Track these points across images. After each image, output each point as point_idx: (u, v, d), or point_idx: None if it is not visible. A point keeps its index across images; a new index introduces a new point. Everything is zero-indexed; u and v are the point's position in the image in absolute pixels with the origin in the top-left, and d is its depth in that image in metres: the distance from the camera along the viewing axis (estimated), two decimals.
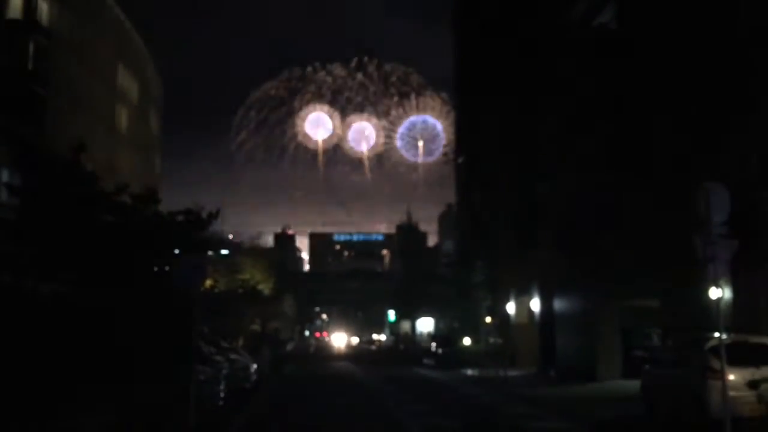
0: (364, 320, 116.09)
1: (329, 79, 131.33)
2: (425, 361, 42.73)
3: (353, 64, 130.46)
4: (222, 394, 17.69)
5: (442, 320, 57.18)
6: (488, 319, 39.03)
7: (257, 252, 47.76)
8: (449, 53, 56.44)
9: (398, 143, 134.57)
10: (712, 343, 13.03)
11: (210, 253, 23.91)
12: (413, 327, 71.44)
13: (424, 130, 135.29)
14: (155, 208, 18.19)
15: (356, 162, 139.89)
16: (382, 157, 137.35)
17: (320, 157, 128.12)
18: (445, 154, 53.00)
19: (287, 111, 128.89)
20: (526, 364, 32.19)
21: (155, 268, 17.36)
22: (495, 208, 39.22)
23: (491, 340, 35.17)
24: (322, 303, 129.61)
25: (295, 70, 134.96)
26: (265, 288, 43.61)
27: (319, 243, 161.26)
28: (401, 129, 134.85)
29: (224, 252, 33.33)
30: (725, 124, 17.95)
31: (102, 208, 16.62)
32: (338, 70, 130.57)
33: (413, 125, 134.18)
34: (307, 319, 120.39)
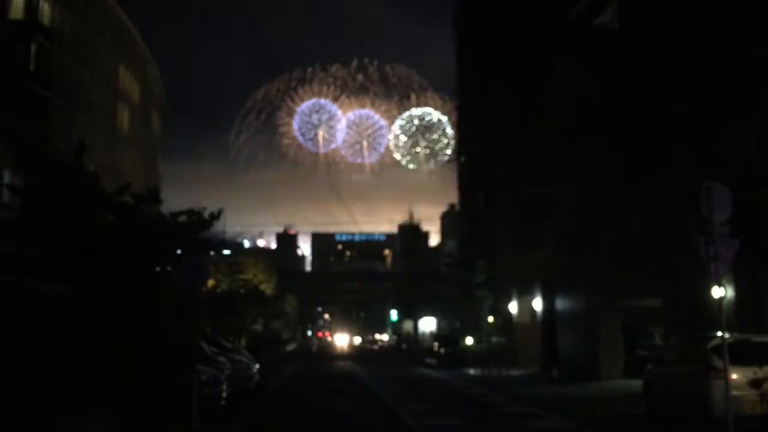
0: (367, 320, 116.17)
1: (330, 80, 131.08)
2: (427, 360, 42.73)
3: (353, 65, 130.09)
4: (224, 395, 17.68)
5: (444, 320, 57.15)
6: (490, 319, 38.97)
7: (259, 252, 47.82)
8: (450, 53, 56.47)
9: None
10: (714, 342, 13.06)
11: (212, 253, 23.91)
12: (415, 327, 71.43)
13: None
14: (157, 208, 18.18)
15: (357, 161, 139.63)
16: (383, 156, 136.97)
17: (320, 147, 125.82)
18: (447, 154, 52.87)
19: (287, 112, 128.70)
20: (528, 364, 32.18)
21: (157, 269, 17.35)
22: (497, 208, 39.22)
23: (493, 339, 35.09)
24: (325, 303, 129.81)
25: (294, 72, 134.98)
26: (267, 288, 43.68)
27: (321, 243, 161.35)
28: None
29: (226, 252, 33.38)
30: (726, 122, 17.93)
31: (104, 208, 16.61)
32: (339, 71, 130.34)
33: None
34: (310, 318, 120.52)
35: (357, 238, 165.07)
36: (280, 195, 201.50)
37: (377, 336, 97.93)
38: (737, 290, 17.01)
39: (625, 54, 22.74)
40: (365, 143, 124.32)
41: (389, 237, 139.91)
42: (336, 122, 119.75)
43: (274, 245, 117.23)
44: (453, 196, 59.30)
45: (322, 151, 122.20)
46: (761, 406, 12.68)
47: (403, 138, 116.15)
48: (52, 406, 11.67)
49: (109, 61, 40.30)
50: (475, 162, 46.33)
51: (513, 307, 36.47)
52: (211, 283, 28.83)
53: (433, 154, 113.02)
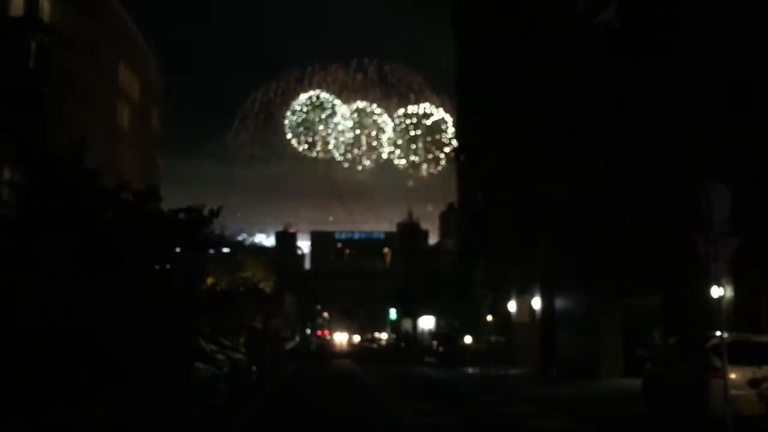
0: (366, 318, 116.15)
1: (329, 79, 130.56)
2: (426, 359, 42.73)
3: (353, 65, 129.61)
4: (223, 393, 17.68)
5: (443, 319, 57.12)
6: (489, 318, 38.99)
7: (258, 250, 47.85)
8: (450, 52, 56.43)
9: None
10: (713, 341, 13.06)
11: (211, 251, 23.94)
12: (414, 325, 71.43)
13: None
14: (156, 205, 18.19)
15: (355, 158, 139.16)
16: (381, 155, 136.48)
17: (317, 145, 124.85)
18: (446, 153, 52.86)
19: (286, 111, 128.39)
20: (527, 363, 32.18)
21: (156, 266, 17.36)
22: (496, 207, 39.21)
23: (492, 338, 35.10)
24: (324, 301, 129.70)
25: (294, 71, 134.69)
26: (267, 286, 43.65)
27: (321, 241, 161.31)
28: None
29: (225, 250, 33.41)
30: (727, 121, 17.93)
31: (103, 205, 16.62)
32: (338, 71, 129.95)
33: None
34: (309, 317, 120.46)
35: (356, 236, 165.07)
36: (279, 193, 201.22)
37: (376, 335, 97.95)
38: (736, 290, 17.00)
39: (626, 52, 22.74)
40: (364, 141, 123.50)
41: (388, 236, 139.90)
42: (336, 119, 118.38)
43: (269, 241, 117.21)
44: (452, 195, 59.33)
45: (318, 150, 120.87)
46: (760, 405, 12.69)
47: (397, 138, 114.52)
48: (52, 403, 11.67)
49: (109, 58, 40.28)
50: (474, 161, 46.32)
51: (512, 306, 36.47)
52: (210, 280, 28.83)
53: (433, 159, 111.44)
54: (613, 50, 23.54)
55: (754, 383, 12.78)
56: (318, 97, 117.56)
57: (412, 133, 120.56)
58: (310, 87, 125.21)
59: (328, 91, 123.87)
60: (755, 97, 17.25)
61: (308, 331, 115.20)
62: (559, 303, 29.28)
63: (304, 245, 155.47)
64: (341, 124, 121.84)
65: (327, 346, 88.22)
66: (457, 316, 47.74)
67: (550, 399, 19.72)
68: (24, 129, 21.50)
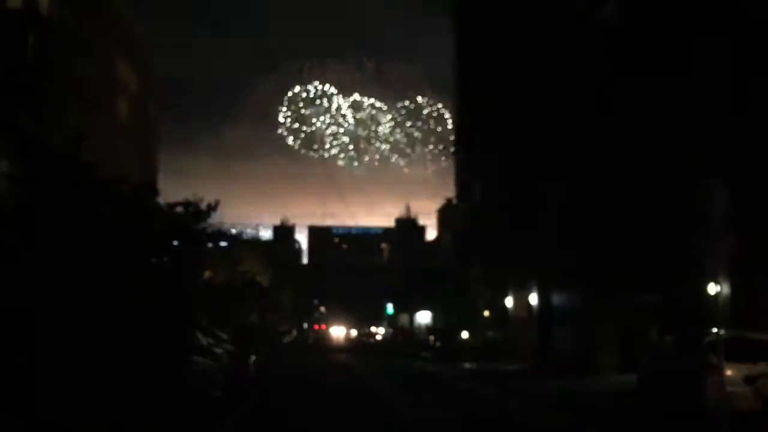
0: (363, 313, 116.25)
1: (327, 75, 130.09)
2: (423, 354, 42.78)
3: (351, 62, 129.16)
4: (220, 386, 17.70)
5: (440, 314, 57.24)
6: (486, 313, 39.08)
7: (256, 244, 47.82)
8: (450, 48, 56.39)
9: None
10: (709, 338, 13.10)
11: (209, 244, 23.91)
12: (411, 320, 71.53)
13: None
14: (154, 199, 18.17)
15: (354, 153, 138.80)
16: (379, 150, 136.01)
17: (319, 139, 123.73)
18: (444, 148, 52.84)
19: (283, 102, 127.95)
20: (524, 358, 32.26)
21: (154, 259, 17.34)
22: (494, 203, 39.24)
23: (489, 334, 35.24)
24: (321, 295, 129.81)
25: (292, 65, 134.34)
26: (264, 280, 43.64)
27: (318, 236, 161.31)
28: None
29: (223, 243, 33.36)
30: (725, 120, 17.95)
31: (101, 198, 16.59)
32: (336, 68, 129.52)
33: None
34: (306, 311, 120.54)
35: (354, 231, 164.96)
36: (277, 187, 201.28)
37: (373, 329, 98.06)
38: (733, 287, 17.06)
39: (625, 49, 22.74)
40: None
41: (386, 231, 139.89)
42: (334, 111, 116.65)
43: (266, 234, 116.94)
44: (451, 191, 59.35)
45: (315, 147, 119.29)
46: (756, 402, 12.76)
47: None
48: (48, 399, 11.68)
49: (107, 51, 40.11)
50: (473, 157, 46.32)
51: (509, 301, 36.54)
52: (207, 274, 28.80)
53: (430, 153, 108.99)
54: (612, 49, 23.53)
55: (750, 380, 12.86)
56: (314, 90, 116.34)
57: (409, 124, 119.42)
58: (309, 81, 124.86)
59: (328, 82, 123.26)
60: (754, 97, 17.26)
61: (305, 326, 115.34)
62: (556, 299, 29.34)
63: (301, 239, 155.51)
64: (337, 118, 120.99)
65: (324, 340, 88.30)
66: (454, 312, 47.84)
67: (546, 394, 19.76)
68: (21, 122, 21.45)
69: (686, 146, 19.31)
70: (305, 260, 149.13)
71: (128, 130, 44.00)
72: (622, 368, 23.76)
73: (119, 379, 13.01)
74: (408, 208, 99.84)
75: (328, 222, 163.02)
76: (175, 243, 17.53)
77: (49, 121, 22.45)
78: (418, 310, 67.78)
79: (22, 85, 21.09)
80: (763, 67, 17.05)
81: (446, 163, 53.87)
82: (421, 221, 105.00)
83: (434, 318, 61.21)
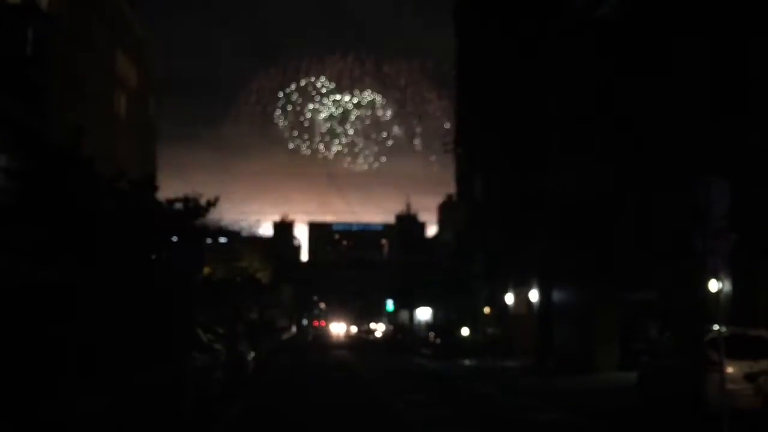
0: (363, 310, 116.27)
1: (326, 71, 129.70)
2: (423, 351, 42.76)
3: (350, 58, 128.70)
4: (219, 383, 17.70)
5: (440, 310, 57.21)
6: (486, 310, 39.02)
7: (255, 240, 47.76)
8: (451, 45, 56.31)
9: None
10: (710, 335, 13.07)
11: (208, 240, 23.86)
12: (411, 317, 71.53)
13: None
14: (153, 194, 18.11)
15: (354, 149, 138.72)
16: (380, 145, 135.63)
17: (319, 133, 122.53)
18: (444, 144, 52.81)
19: (285, 100, 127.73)
20: (523, 355, 32.23)
21: (153, 255, 17.30)
22: (494, 199, 39.19)
23: (489, 330, 35.15)
24: (321, 292, 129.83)
25: (292, 61, 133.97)
26: (263, 276, 43.63)
27: (318, 232, 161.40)
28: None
29: (222, 240, 33.33)
30: (726, 116, 17.91)
31: (100, 193, 16.54)
32: (336, 64, 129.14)
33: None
34: (305, 307, 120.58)
35: (354, 227, 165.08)
36: (276, 183, 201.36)
37: (372, 326, 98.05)
38: (734, 284, 17.00)
39: (625, 47, 22.69)
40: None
41: (386, 227, 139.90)
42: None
43: (265, 230, 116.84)
44: (451, 187, 59.30)
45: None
46: (756, 399, 12.74)
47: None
48: (47, 394, 11.66)
49: (106, 45, 40.07)
50: (473, 152, 46.26)
51: (509, 298, 36.49)
52: (207, 270, 28.76)
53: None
54: (612, 46, 23.47)
55: (750, 377, 12.83)
56: (313, 86, 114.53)
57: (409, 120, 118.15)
58: (308, 77, 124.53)
59: (328, 78, 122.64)
60: (755, 95, 17.22)
61: (305, 322, 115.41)
62: (556, 296, 29.31)
63: (301, 236, 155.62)
64: (336, 113, 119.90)
65: (323, 336, 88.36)
66: (454, 308, 47.81)
67: (546, 391, 19.74)
68: (20, 116, 21.38)
69: (687, 143, 19.27)
70: (305, 257, 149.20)
71: (128, 125, 43.95)
72: (623, 365, 23.74)
73: (119, 374, 12.99)
74: (408, 205, 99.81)
75: (328, 218, 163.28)
76: (174, 239, 17.48)
77: (48, 115, 22.38)
78: (418, 306, 67.74)
79: (22, 79, 21.04)
80: (763, 65, 16.99)
81: (447, 159, 53.88)
82: (422, 217, 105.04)
83: (434, 314, 61.20)
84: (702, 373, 12.92)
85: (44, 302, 13.50)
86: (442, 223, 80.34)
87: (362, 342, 69.84)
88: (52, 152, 16.81)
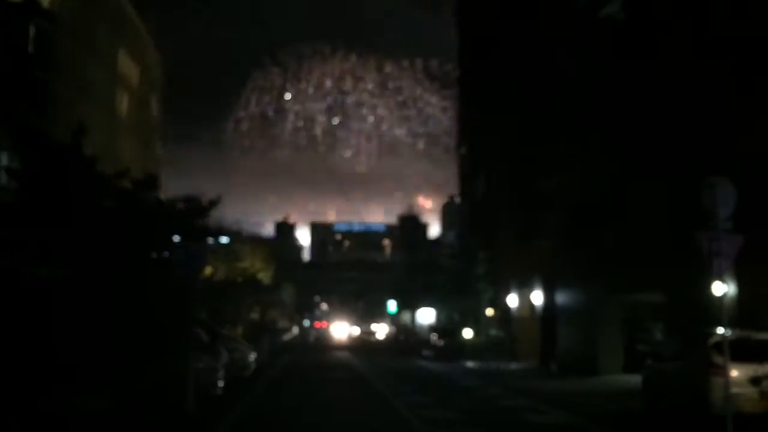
0: (365, 311, 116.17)
1: (327, 69, 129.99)
2: (425, 352, 42.67)
3: (353, 58, 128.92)
4: (221, 383, 17.64)
5: (442, 312, 57.14)
6: (489, 312, 38.93)
7: (257, 240, 47.73)
8: (454, 44, 56.24)
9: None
10: (714, 338, 13.01)
11: (210, 240, 23.82)
12: (413, 318, 71.44)
13: None
14: (155, 194, 18.10)
15: (356, 150, 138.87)
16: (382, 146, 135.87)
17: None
18: (447, 145, 52.80)
19: (285, 97, 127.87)
20: (527, 357, 32.15)
21: (154, 255, 17.27)
22: (498, 199, 39.11)
23: (492, 332, 35.10)
24: (323, 293, 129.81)
25: (291, 60, 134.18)
26: (265, 277, 43.56)
27: (320, 233, 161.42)
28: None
29: (224, 240, 33.27)
30: (732, 117, 17.82)
31: (102, 193, 16.52)
32: (338, 63, 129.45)
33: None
34: (307, 308, 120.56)
35: (356, 228, 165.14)
36: (278, 183, 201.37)
37: (374, 327, 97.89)
38: (739, 287, 16.93)
39: (631, 46, 22.59)
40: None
41: (388, 228, 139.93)
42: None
43: (267, 230, 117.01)
44: (454, 187, 59.26)
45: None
46: (761, 403, 12.66)
47: None
48: (50, 391, 11.63)
49: (108, 44, 40.11)
50: (476, 152, 46.20)
51: (512, 299, 36.40)
52: (208, 270, 28.71)
53: None
54: (617, 44, 23.38)
55: (755, 381, 12.76)
56: (315, 85, 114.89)
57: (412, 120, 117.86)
58: (309, 75, 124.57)
59: (329, 78, 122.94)
60: (764, 90, 17.11)
61: (306, 323, 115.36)
62: (560, 298, 29.22)
63: (303, 236, 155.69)
64: (338, 112, 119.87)
65: (325, 337, 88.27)
66: (456, 310, 47.74)
67: (549, 394, 19.69)
68: (22, 115, 21.38)
69: (693, 143, 19.17)
70: (307, 257, 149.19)
71: (130, 124, 43.97)
72: (626, 368, 23.66)
73: (121, 374, 12.95)
74: (411, 205, 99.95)
75: (330, 219, 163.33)
76: (176, 238, 17.45)
77: (50, 113, 22.39)
78: (421, 307, 67.68)
79: (24, 78, 21.04)
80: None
81: (449, 160, 53.84)
82: (424, 218, 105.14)
83: (437, 316, 61.15)
84: (706, 377, 12.81)
85: (46, 301, 13.47)
86: (444, 224, 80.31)
87: (364, 343, 69.70)
88: (54, 151, 16.78)
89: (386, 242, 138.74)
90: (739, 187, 11.55)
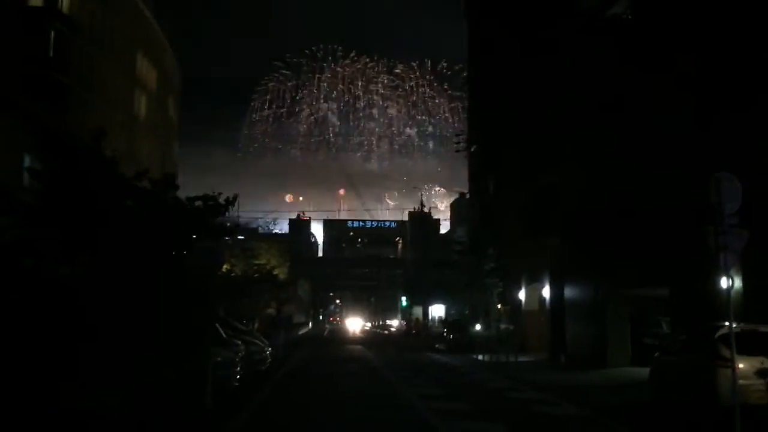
0: (377, 306, 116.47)
1: (339, 70, 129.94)
2: (437, 346, 43.00)
3: (363, 60, 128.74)
4: (238, 377, 18.02)
5: (453, 306, 57.40)
6: (499, 306, 39.15)
7: (273, 237, 48.14)
8: (463, 44, 56.33)
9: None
10: (721, 331, 13.18)
11: (227, 238, 24.16)
12: (425, 313, 71.71)
13: None
14: (174, 193, 18.42)
15: (367, 149, 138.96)
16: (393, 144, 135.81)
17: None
18: (457, 143, 52.87)
19: (298, 98, 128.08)
20: (536, 351, 32.42)
21: (174, 252, 17.59)
22: (506, 196, 39.30)
23: (502, 326, 35.26)
24: (336, 288, 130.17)
25: (303, 62, 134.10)
26: (281, 273, 43.94)
27: (333, 229, 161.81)
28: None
29: (240, 237, 33.65)
30: (737, 112, 17.99)
31: (122, 193, 16.85)
32: (349, 64, 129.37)
33: None
34: (322, 303, 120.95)
35: (368, 225, 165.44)
36: (292, 182, 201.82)
37: (388, 322, 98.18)
38: (745, 280, 17.13)
39: (636, 45, 22.77)
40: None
41: (400, 224, 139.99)
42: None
43: (281, 227, 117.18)
44: (464, 184, 59.41)
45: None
46: None
47: None
48: (71, 388, 11.97)
49: (127, 47, 40.51)
50: (485, 150, 46.35)
51: (522, 294, 36.67)
52: (225, 267, 29.12)
53: None
54: (623, 44, 23.56)
55: (762, 373, 12.86)
56: (327, 86, 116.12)
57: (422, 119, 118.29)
58: (322, 77, 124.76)
59: (339, 81, 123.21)
60: (764, 88, 17.29)
61: (321, 318, 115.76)
62: (569, 292, 29.45)
63: (316, 233, 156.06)
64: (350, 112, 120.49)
65: (339, 332, 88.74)
66: (467, 304, 47.96)
67: (558, 386, 19.93)
68: (44, 117, 21.76)
69: (699, 139, 19.36)
70: (320, 253, 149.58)
71: (148, 126, 44.39)
72: (634, 361, 23.90)
73: (143, 369, 13.30)
74: (422, 202, 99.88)
75: (343, 216, 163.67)
76: (194, 236, 17.79)
77: (70, 115, 22.76)
78: (432, 302, 67.98)
79: (44, 81, 21.43)
80: None
81: (459, 158, 53.99)
82: (435, 215, 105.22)
83: (447, 311, 61.40)
84: (714, 369, 12.97)
85: (67, 300, 13.79)
86: (455, 220, 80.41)
87: (377, 337, 70.06)
88: (75, 152, 17.14)
89: (398, 239, 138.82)
90: (744, 182, 11.71)
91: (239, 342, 19.89)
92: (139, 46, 43.51)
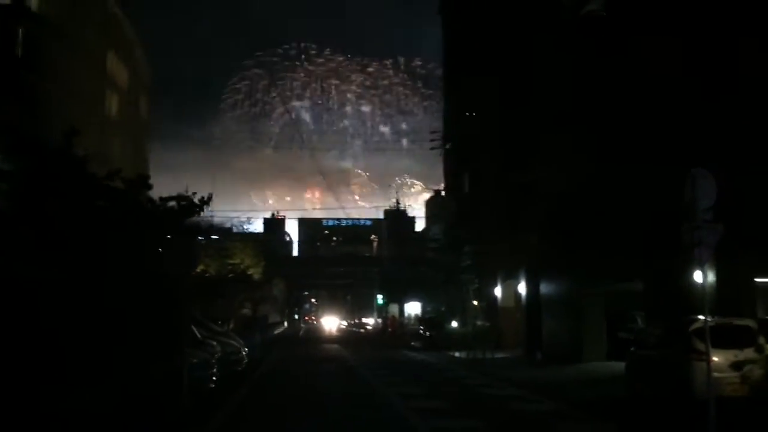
0: (353, 304, 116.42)
1: (312, 68, 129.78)
2: (413, 343, 43.04)
3: (339, 59, 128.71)
4: (214, 378, 17.87)
5: (429, 304, 57.52)
6: (475, 303, 39.31)
7: (247, 237, 47.81)
8: (438, 41, 56.41)
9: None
10: (696, 325, 13.27)
11: (201, 237, 23.95)
12: (401, 310, 71.76)
13: None
14: (147, 193, 18.20)
15: (341, 147, 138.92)
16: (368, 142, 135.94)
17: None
18: (432, 140, 53.04)
19: (272, 93, 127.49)
20: (512, 347, 32.58)
21: (147, 253, 17.39)
22: (482, 193, 39.44)
23: (478, 323, 35.40)
24: (312, 287, 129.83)
25: (279, 59, 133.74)
26: (255, 272, 43.67)
27: (309, 228, 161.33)
28: None
29: (215, 237, 33.40)
30: (711, 109, 18.17)
31: (94, 193, 16.62)
32: (324, 62, 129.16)
33: None
34: (297, 303, 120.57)
35: (344, 223, 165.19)
36: (267, 180, 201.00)
37: (363, 320, 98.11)
38: (718, 274, 17.31)
39: (612, 42, 22.92)
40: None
41: (376, 222, 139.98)
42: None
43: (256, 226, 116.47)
44: (440, 181, 59.58)
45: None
46: (742, 387, 12.90)
47: None
48: (46, 391, 11.80)
49: (97, 46, 40.03)
50: (461, 147, 46.49)
51: (498, 291, 36.83)
52: (200, 267, 28.87)
53: None
54: (600, 39, 23.70)
55: (736, 366, 12.98)
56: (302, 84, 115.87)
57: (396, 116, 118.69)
58: (295, 74, 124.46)
59: (315, 77, 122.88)
60: (742, 82, 17.45)
61: (296, 317, 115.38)
62: (544, 288, 29.61)
63: (291, 232, 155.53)
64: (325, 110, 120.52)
65: (315, 331, 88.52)
66: (443, 301, 48.12)
67: (534, 382, 20.03)
68: (11, 116, 21.38)
69: (673, 135, 19.52)
70: (296, 252, 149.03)
71: (120, 124, 43.92)
72: (609, 355, 24.08)
73: (117, 371, 13.14)
74: (397, 200, 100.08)
75: (318, 214, 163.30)
76: (168, 236, 17.60)
77: (39, 115, 22.36)
78: (408, 300, 68.04)
79: (13, 80, 21.04)
80: (749, 54, 17.23)
81: (434, 155, 54.08)
82: (411, 212, 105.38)
83: (424, 308, 61.51)
84: (689, 363, 13.03)
85: (37, 301, 13.58)
86: (430, 218, 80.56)
87: (353, 336, 70.02)
88: (44, 152, 16.87)
89: (374, 237, 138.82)
90: (717, 176, 11.79)
91: (215, 343, 19.71)
92: (110, 44, 43.00)
